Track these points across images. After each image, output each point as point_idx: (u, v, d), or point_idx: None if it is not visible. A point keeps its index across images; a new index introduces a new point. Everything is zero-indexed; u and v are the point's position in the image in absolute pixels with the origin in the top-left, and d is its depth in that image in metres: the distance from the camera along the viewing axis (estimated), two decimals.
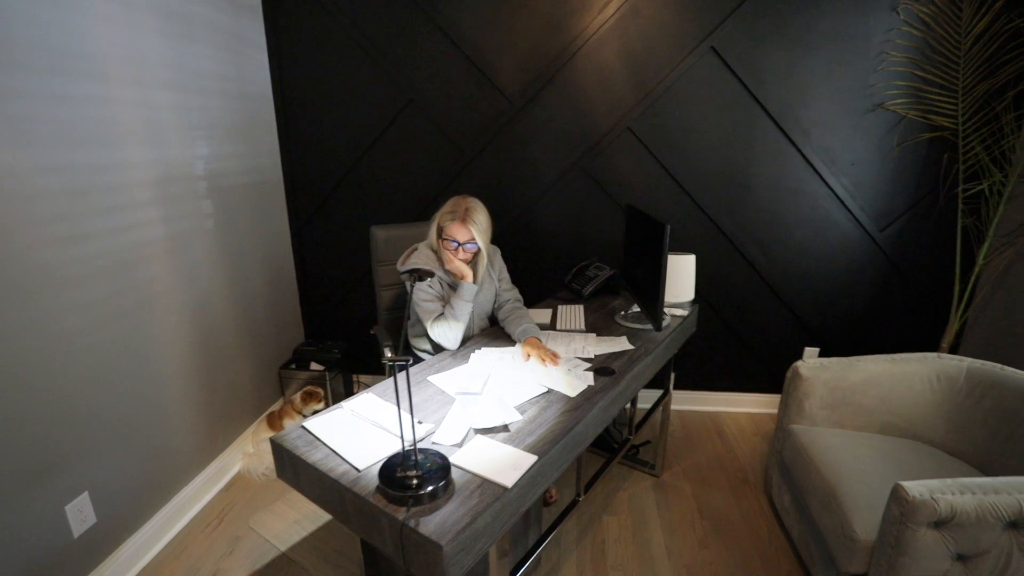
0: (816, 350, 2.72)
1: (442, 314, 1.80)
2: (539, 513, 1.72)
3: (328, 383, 2.69)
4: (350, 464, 1.21)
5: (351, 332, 2.97)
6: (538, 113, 2.52)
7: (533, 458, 1.22)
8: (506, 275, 2.06)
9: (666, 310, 2.13)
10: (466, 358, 1.74)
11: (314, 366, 2.74)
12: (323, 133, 2.67)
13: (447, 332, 1.79)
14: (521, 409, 1.44)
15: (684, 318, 2.11)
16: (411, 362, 1.05)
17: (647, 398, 2.51)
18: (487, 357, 1.74)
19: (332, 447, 1.26)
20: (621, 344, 1.85)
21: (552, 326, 2.03)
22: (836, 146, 2.41)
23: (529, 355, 1.72)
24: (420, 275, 1.30)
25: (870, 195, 2.46)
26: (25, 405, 1.46)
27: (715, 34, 2.32)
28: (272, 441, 1.31)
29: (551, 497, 2.18)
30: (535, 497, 1.25)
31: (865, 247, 2.54)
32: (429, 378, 1.62)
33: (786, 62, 2.33)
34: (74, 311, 1.60)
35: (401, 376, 1.42)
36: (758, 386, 2.82)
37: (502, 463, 1.20)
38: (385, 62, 2.51)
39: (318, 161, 2.71)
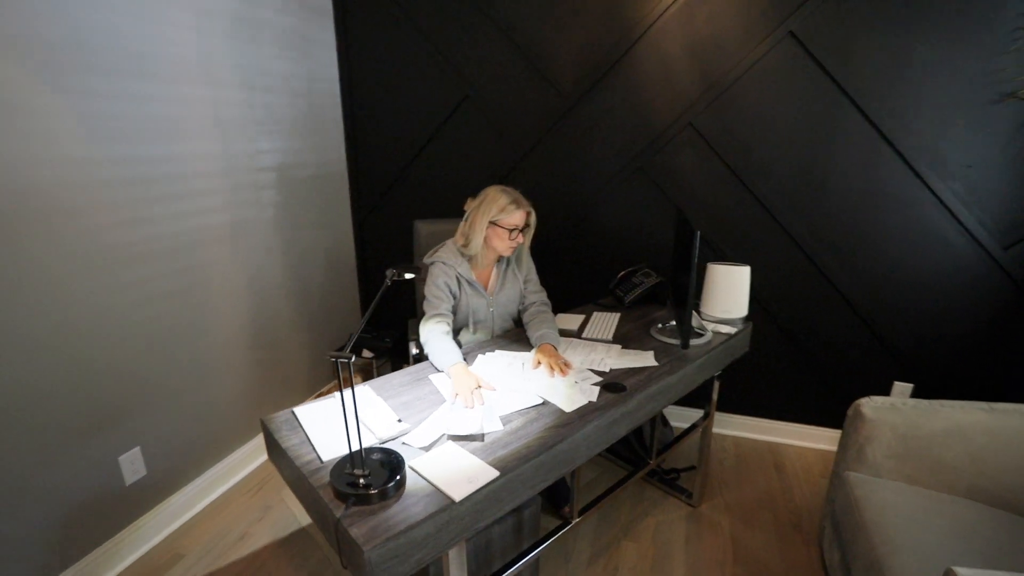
0: (908, 386, 2.30)
1: (440, 315, 1.75)
2: (535, 528, 1.64)
3: (375, 371, 2.80)
4: (316, 454, 1.23)
5: (404, 322, 3.06)
6: (592, 108, 2.40)
7: (494, 473, 1.15)
8: (534, 276, 1.99)
9: (711, 326, 1.92)
10: (473, 359, 1.70)
11: (365, 353, 2.87)
12: (385, 128, 2.76)
13: (425, 342, 1.70)
14: (507, 419, 1.37)
15: (731, 336, 1.89)
16: (352, 359, 1.03)
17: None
18: (495, 361, 1.69)
19: (308, 435, 1.30)
20: (645, 359, 1.70)
21: (578, 334, 1.92)
22: (946, 145, 2.00)
23: (539, 362, 1.64)
24: (400, 272, 1.28)
25: (991, 205, 2.02)
26: (88, 364, 1.67)
27: (795, 17, 2.03)
28: (261, 421, 1.38)
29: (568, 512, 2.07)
30: (498, 514, 1.18)
31: (983, 268, 2.09)
32: (430, 376, 1.61)
33: (884, 46, 1.98)
34: (136, 285, 1.81)
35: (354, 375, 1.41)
36: (832, 421, 2.45)
37: (460, 474, 1.15)
38: (443, 59, 2.54)
39: (381, 155, 2.82)
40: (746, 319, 2.00)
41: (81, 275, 1.63)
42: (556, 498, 2.04)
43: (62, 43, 1.52)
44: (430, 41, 2.53)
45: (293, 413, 1.39)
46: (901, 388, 2.31)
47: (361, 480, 1.08)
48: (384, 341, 2.91)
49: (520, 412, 1.40)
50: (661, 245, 2.46)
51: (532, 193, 2.59)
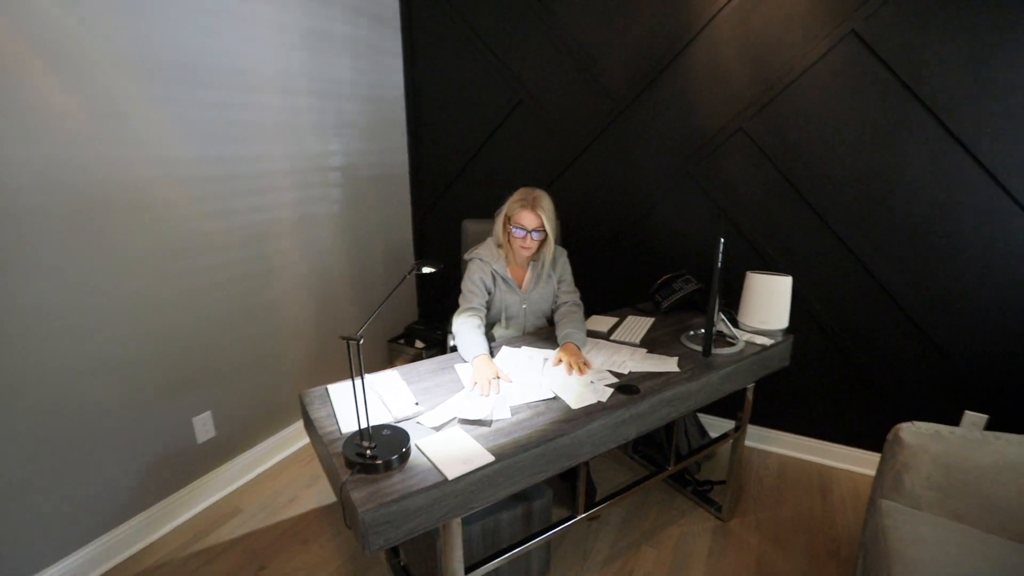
0: (982, 417, 2.08)
1: (472, 309, 1.85)
2: (546, 519, 1.69)
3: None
4: (338, 426, 1.37)
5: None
6: (642, 113, 2.39)
7: (489, 458, 1.22)
8: (568, 277, 2.03)
9: (746, 336, 1.87)
10: (498, 351, 1.78)
11: (418, 343, 3.05)
12: (445, 131, 2.92)
13: (456, 333, 1.79)
14: (517, 410, 1.44)
15: (766, 348, 1.83)
16: (362, 341, 1.15)
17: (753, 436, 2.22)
18: (518, 354, 1.76)
19: (335, 409, 1.44)
20: (667, 365, 1.69)
21: (607, 336, 1.95)
22: None
23: (560, 360, 1.69)
24: (419, 266, 1.39)
25: None
26: (171, 334, 1.95)
27: (859, 15, 1.92)
28: (300, 395, 1.55)
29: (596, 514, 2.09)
30: (494, 498, 1.25)
31: None
32: (456, 365, 1.71)
33: (962, 44, 1.82)
34: (215, 269, 2.07)
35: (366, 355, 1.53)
36: None
37: (459, 455, 1.23)
38: (500, 64, 2.64)
39: (440, 157, 2.97)
40: (787, 331, 1.92)
41: (170, 258, 1.90)
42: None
43: (165, 61, 1.79)
44: (488, 47, 2.65)
45: (326, 389, 1.55)
46: (973, 419, 2.10)
47: (368, 451, 1.20)
48: (436, 333, 3.07)
49: (530, 404, 1.46)
50: (706, 252, 2.40)
51: (581, 197, 2.65)
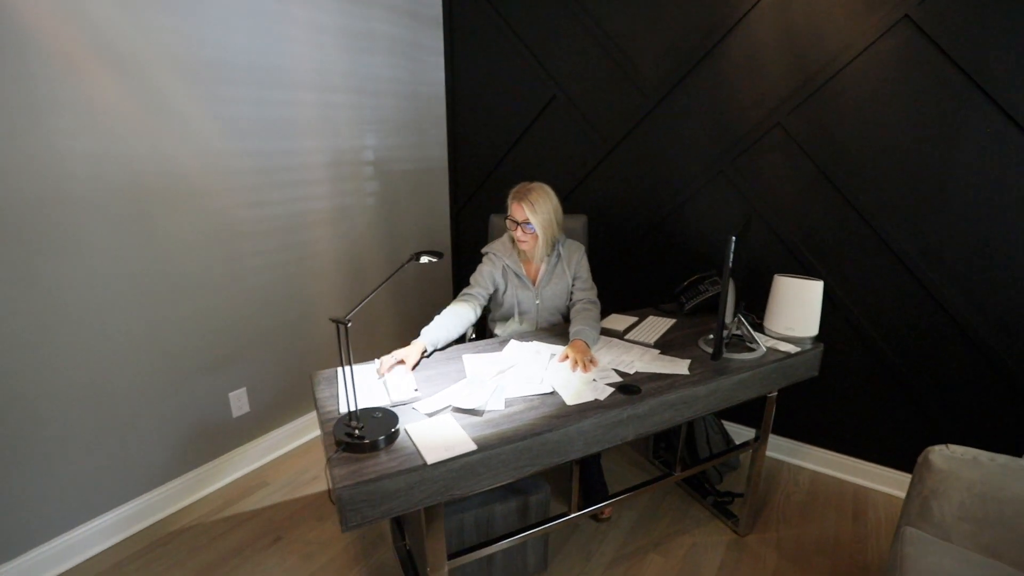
0: None
1: (466, 296, 1.90)
2: (543, 514, 1.68)
3: None
4: (339, 407, 1.43)
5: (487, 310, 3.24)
6: (675, 107, 2.32)
7: (471, 447, 1.23)
8: (584, 273, 2.00)
9: (769, 341, 1.77)
10: (504, 344, 1.79)
11: None
12: (482, 127, 2.95)
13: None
14: (512, 402, 1.44)
15: (789, 355, 1.72)
16: (350, 324, 1.19)
17: (787, 450, 2.10)
18: (525, 348, 1.75)
19: (339, 391, 1.51)
20: (677, 367, 1.63)
21: (622, 335, 1.90)
22: None
23: (567, 356, 1.68)
24: (418, 255, 1.43)
25: None
26: (211, 314, 2.10)
27: None
28: (310, 375, 1.62)
29: (603, 514, 2.06)
30: (477, 487, 1.26)
31: None
32: (464, 356, 1.73)
33: None
34: (254, 255, 2.21)
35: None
36: None
37: (442, 442, 1.25)
38: (534, 60, 2.64)
39: (477, 152, 3.01)
40: (817, 339, 1.80)
41: (209, 244, 2.05)
42: (589, 492, 2.03)
43: (208, 60, 1.93)
44: (523, 43, 2.65)
45: (335, 371, 1.62)
46: None
47: (356, 431, 1.25)
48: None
49: (525, 398, 1.46)
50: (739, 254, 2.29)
51: (611, 193, 2.60)
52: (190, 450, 2.11)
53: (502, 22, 2.69)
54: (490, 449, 1.25)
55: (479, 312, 1.98)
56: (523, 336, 1.90)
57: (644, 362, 1.68)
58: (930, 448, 1.43)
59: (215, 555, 1.87)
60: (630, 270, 2.66)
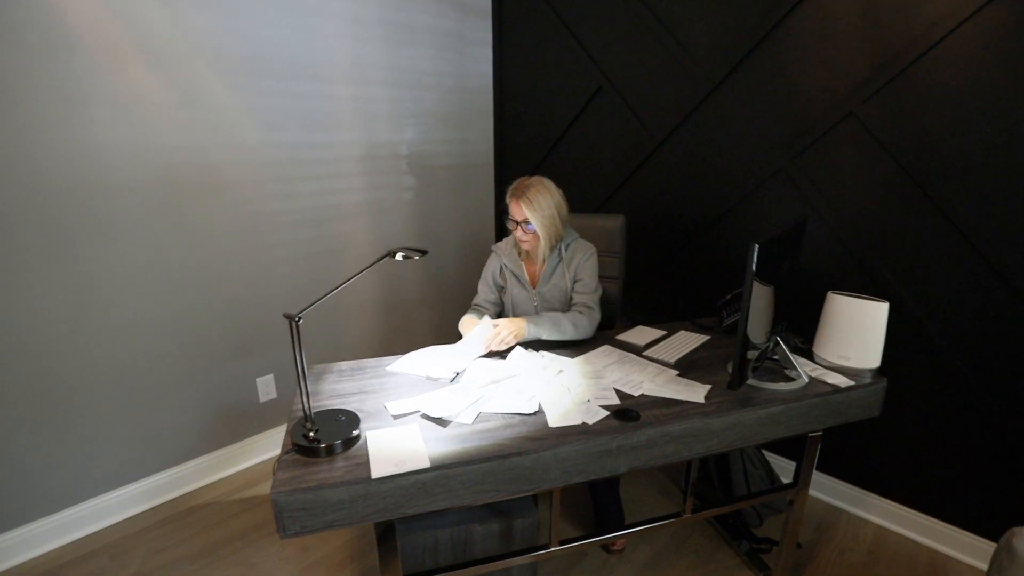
0: None
1: (475, 308, 1.87)
2: (529, 540, 1.53)
3: None
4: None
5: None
6: (730, 96, 2.05)
7: (423, 464, 1.13)
8: (585, 276, 1.79)
9: (816, 371, 1.49)
10: (510, 351, 1.66)
11: None
12: (529, 122, 2.83)
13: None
14: (488, 418, 1.31)
15: (839, 390, 1.44)
16: (300, 320, 1.13)
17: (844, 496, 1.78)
18: (530, 360, 1.61)
19: (323, 386, 1.47)
20: (692, 393, 1.42)
21: (641, 350, 1.70)
22: None
23: (497, 325, 1.62)
24: (392, 252, 1.35)
25: None
26: (241, 302, 2.17)
27: None
28: (309, 367, 1.60)
29: (614, 545, 1.87)
30: (432, 507, 1.16)
31: None
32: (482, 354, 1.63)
33: None
34: (284, 246, 2.26)
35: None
36: None
37: (396, 454, 1.16)
38: (580, 50, 2.47)
39: (522, 148, 2.90)
40: (879, 372, 1.49)
41: (241, 234, 2.12)
42: (602, 518, 1.85)
43: (241, 54, 1.98)
44: (571, 30, 2.49)
45: (327, 367, 1.59)
46: None
47: (311, 433, 1.19)
48: None
49: (506, 415, 1.33)
50: (798, 266, 1.98)
51: (656, 193, 2.37)
52: (216, 431, 2.20)
53: (550, 10, 2.55)
54: (447, 468, 1.14)
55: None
56: (533, 344, 1.76)
57: (655, 384, 1.47)
58: (1013, 530, 1.11)
59: (224, 534, 1.92)
60: (670, 278, 2.41)
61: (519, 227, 1.73)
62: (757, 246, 1.20)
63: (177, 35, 1.82)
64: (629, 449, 1.27)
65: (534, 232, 1.72)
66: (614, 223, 2.13)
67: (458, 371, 1.52)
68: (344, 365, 1.62)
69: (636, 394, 1.43)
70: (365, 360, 1.64)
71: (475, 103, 2.87)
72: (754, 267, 1.21)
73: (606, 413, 1.33)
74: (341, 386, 1.51)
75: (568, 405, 1.36)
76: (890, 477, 1.92)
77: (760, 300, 1.38)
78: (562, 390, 1.43)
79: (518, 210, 1.70)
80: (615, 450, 1.26)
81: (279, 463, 1.15)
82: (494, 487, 1.19)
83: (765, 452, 2.19)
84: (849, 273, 1.87)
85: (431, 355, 1.62)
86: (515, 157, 2.95)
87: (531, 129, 2.82)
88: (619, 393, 1.43)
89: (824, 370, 1.52)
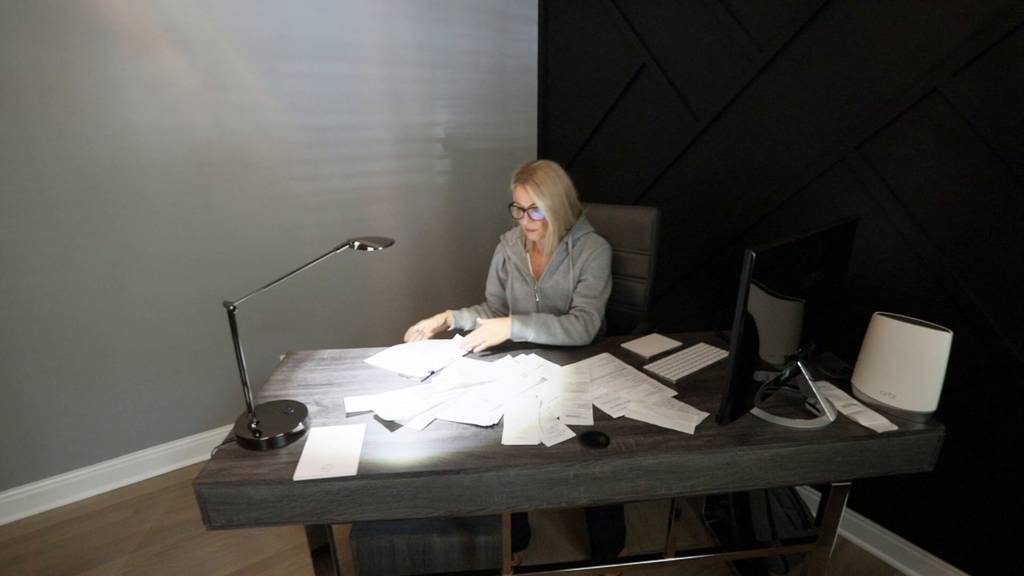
0: None
1: (486, 303, 1.83)
2: (493, 559, 1.42)
3: None
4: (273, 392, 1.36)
5: None
6: (786, 73, 1.74)
7: (350, 471, 1.06)
8: (590, 277, 1.61)
9: (849, 408, 1.23)
10: (501, 356, 1.54)
11: None
12: (572, 104, 2.63)
13: None
14: (443, 426, 1.21)
15: (875, 435, 1.16)
16: (235, 308, 1.09)
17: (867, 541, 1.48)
18: (516, 365, 1.48)
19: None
20: (683, 421, 1.22)
21: (644, 363, 1.50)
22: None
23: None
24: (351, 242, 1.27)
25: None
26: (263, 280, 2.22)
27: None
28: (288, 353, 1.60)
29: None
30: (362, 516, 1.09)
31: None
32: (462, 357, 1.54)
33: None
34: (311, 227, 2.29)
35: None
36: None
37: (328, 457, 1.10)
38: (625, 22, 2.23)
39: (567, 130, 2.71)
40: (933, 416, 1.20)
41: (268, 213, 2.17)
42: (598, 542, 1.69)
43: (267, 35, 1.99)
44: (616, 4, 2.25)
45: (310, 353, 1.57)
46: None
47: (252, 424, 1.16)
48: None
49: (461, 425, 1.22)
50: (860, 272, 1.65)
51: (697, 184, 2.11)
52: (240, 402, 2.30)
53: None
54: (375, 479, 1.06)
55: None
56: (527, 346, 1.62)
57: (643, 405, 1.29)
58: None
59: None
60: (706, 282, 2.14)
61: (526, 214, 1.59)
62: (754, 254, 0.97)
63: (204, 17, 1.87)
64: (589, 480, 1.11)
65: (542, 219, 1.58)
66: (646, 216, 1.91)
67: (433, 370, 1.44)
68: (326, 353, 1.60)
69: (616, 415, 1.25)
70: (349, 350, 1.61)
71: (516, 84, 2.72)
72: (747, 279, 0.99)
73: (571, 435, 1.17)
74: (314, 375, 1.48)
75: (531, 421, 1.22)
76: (947, 534, 1.57)
77: (778, 316, 1.15)
78: (534, 403, 1.30)
79: (524, 195, 1.56)
80: (572, 479, 1.11)
81: (215, 452, 1.13)
82: (429, 504, 1.09)
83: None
84: (921, 290, 1.53)
85: (410, 351, 1.55)
86: (559, 140, 2.77)
87: (575, 113, 2.62)
88: (597, 412, 1.26)
89: (861, 407, 1.25)
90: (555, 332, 1.53)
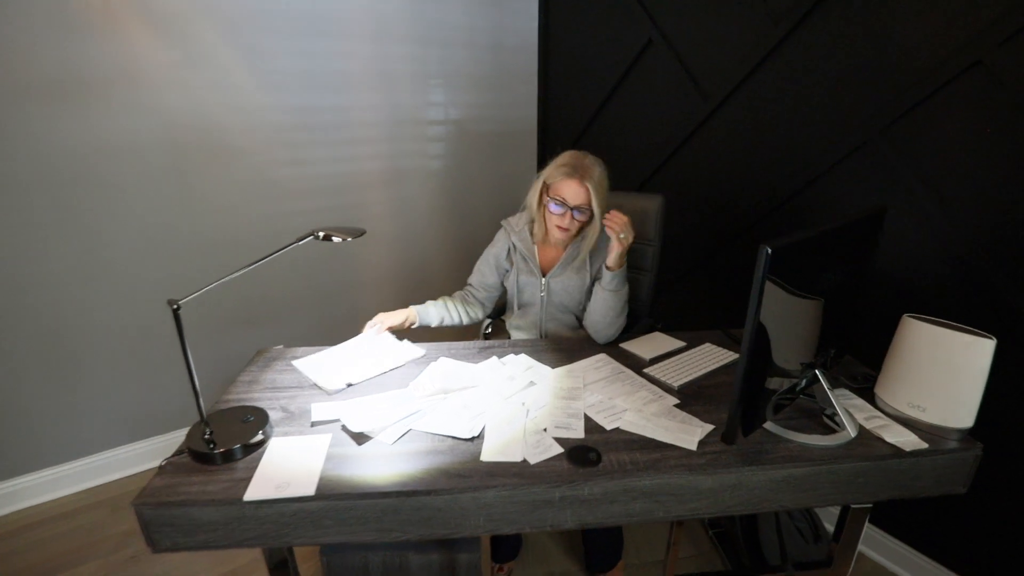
0: None
1: (465, 288, 1.71)
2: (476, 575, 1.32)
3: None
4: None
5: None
6: (808, 45, 1.57)
7: (308, 491, 0.94)
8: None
9: (872, 421, 1.10)
10: (505, 354, 1.42)
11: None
12: (575, 84, 2.47)
13: None
14: (416, 438, 1.10)
15: (903, 454, 1.03)
16: (179, 307, 0.97)
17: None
18: (503, 367, 1.36)
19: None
20: (684, 436, 1.09)
21: (644, 365, 1.37)
22: None
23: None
24: (315, 233, 1.14)
25: None
26: (249, 276, 2.12)
27: None
28: (258, 352, 1.49)
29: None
30: (323, 539, 0.98)
31: None
32: (441, 358, 1.42)
33: None
34: (298, 215, 2.17)
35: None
36: None
37: (283, 474, 0.99)
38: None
39: (568, 113, 2.56)
40: (969, 433, 1.06)
41: (249, 201, 2.04)
42: (592, 550, 1.59)
43: (249, 10, 1.85)
44: None
45: (282, 348, 1.46)
46: None
47: (205, 435, 1.05)
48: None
49: (437, 437, 1.10)
50: (889, 269, 1.50)
51: (705, 169, 1.96)
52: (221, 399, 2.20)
53: None
54: (338, 499, 0.94)
55: (474, 316, 1.66)
56: (518, 345, 1.50)
57: (641, 416, 1.16)
58: None
59: None
60: (714, 276, 2.00)
61: (570, 212, 1.45)
62: (769, 251, 0.84)
63: None
64: (577, 502, 0.99)
65: (586, 218, 1.46)
66: (651, 204, 1.77)
67: (351, 383, 1.30)
68: (300, 352, 1.49)
69: (610, 427, 1.13)
70: (325, 348, 1.49)
71: (515, 63, 2.56)
72: (762, 276, 0.85)
73: (559, 451, 1.05)
74: (283, 376, 1.38)
75: (515, 433, 1.10)
76: (987, 564, 1.44)
77: (793, 317, 1.02)
78: (520, 410, 1.18)
79: (580, 193, 1.43)
80: (558, 501, 0.99)
81: (164, 464, 1.03)
82: (398, 527, 0.98)
83: None
84: (954, 290, 1.38)
85: (332, 358, 1.42)
86: (559, 122, 2.61)
87: (577, 93, 2.46)
88: (589, 423, 1.14)
89: (885, 420, 1.11)
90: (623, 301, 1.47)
